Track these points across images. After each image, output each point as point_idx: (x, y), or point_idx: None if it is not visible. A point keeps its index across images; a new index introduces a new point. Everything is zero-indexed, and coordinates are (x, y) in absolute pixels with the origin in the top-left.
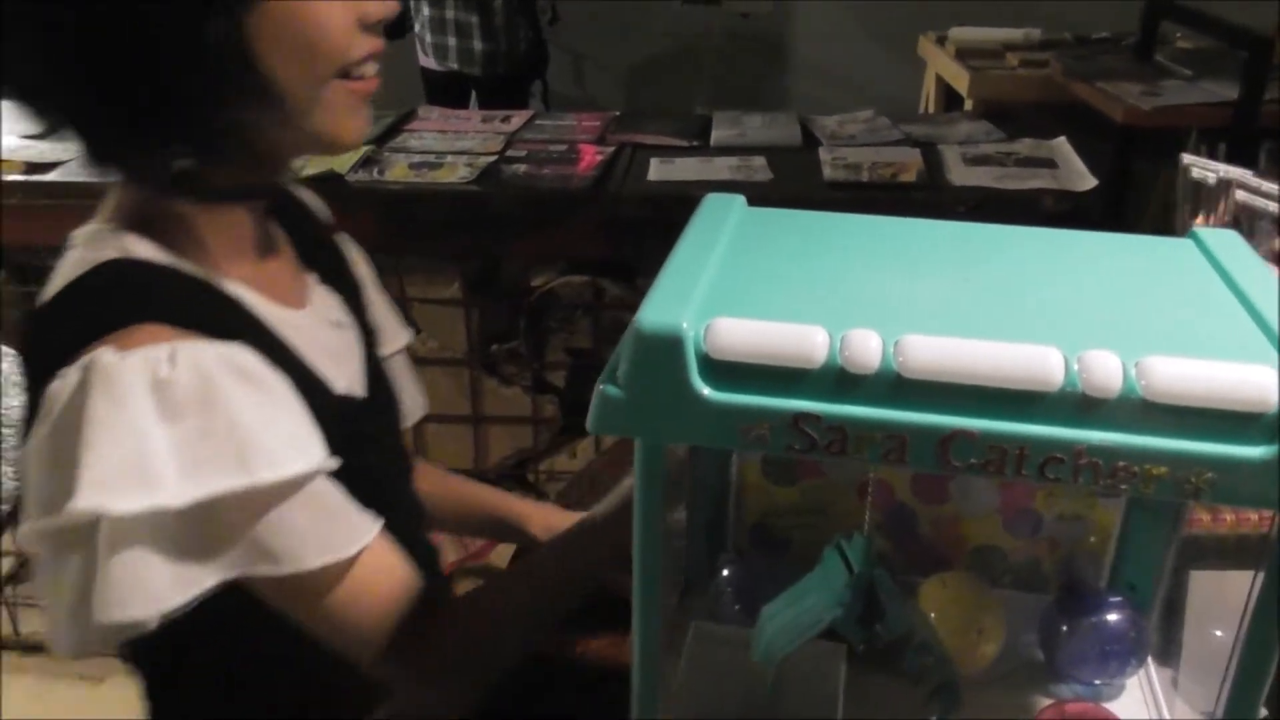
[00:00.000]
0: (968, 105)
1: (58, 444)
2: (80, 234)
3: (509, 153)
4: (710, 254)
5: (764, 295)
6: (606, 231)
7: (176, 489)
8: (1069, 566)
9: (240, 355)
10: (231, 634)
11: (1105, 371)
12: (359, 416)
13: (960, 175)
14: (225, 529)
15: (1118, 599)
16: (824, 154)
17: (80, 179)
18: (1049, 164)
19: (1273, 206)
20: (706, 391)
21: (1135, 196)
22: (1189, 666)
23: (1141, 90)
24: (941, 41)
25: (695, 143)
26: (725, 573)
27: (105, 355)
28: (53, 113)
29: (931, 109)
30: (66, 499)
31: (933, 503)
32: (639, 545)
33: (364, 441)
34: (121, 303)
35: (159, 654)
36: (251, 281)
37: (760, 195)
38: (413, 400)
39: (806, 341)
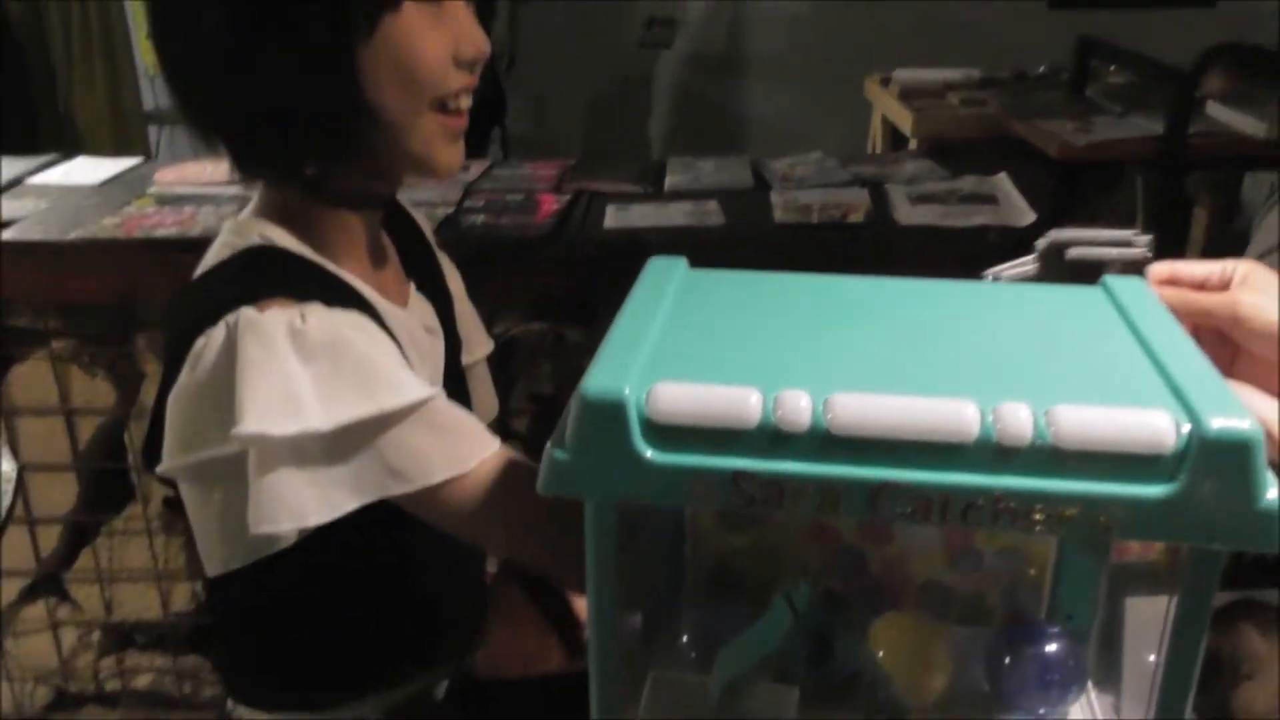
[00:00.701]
0: (913, 144)
1: (208, 389)
2: (229, 224)
3: (467, 203)
4: (652, 318)
5: (703, 358)
6: (566, 278)
7: (320, 417)
8: (1011, 599)
9: (358, 318)
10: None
11: (1017, 421)
12: None
13: (906, 214)
14: (360, 453)
15: (1056, 629)
16: (775, 196)
17: (35, 237)
18: (991, 200)
19: (1113, 253)
20: (650, 454)
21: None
22: (1129, 691)
23: (1075, 126)
24: (886, 83)
25: (650, 188)
26: (684, 619)
27: (248, 312)
28: (210, 131)
29: (878, 149)
30: (223, 431)
31: (879, 543)
32: (594, 601)
33: None
34: (258, 279)
35: (249, 595)
36: (364, 277)
37: (714, 238)
38: (488, 404)
39: (742, 403)
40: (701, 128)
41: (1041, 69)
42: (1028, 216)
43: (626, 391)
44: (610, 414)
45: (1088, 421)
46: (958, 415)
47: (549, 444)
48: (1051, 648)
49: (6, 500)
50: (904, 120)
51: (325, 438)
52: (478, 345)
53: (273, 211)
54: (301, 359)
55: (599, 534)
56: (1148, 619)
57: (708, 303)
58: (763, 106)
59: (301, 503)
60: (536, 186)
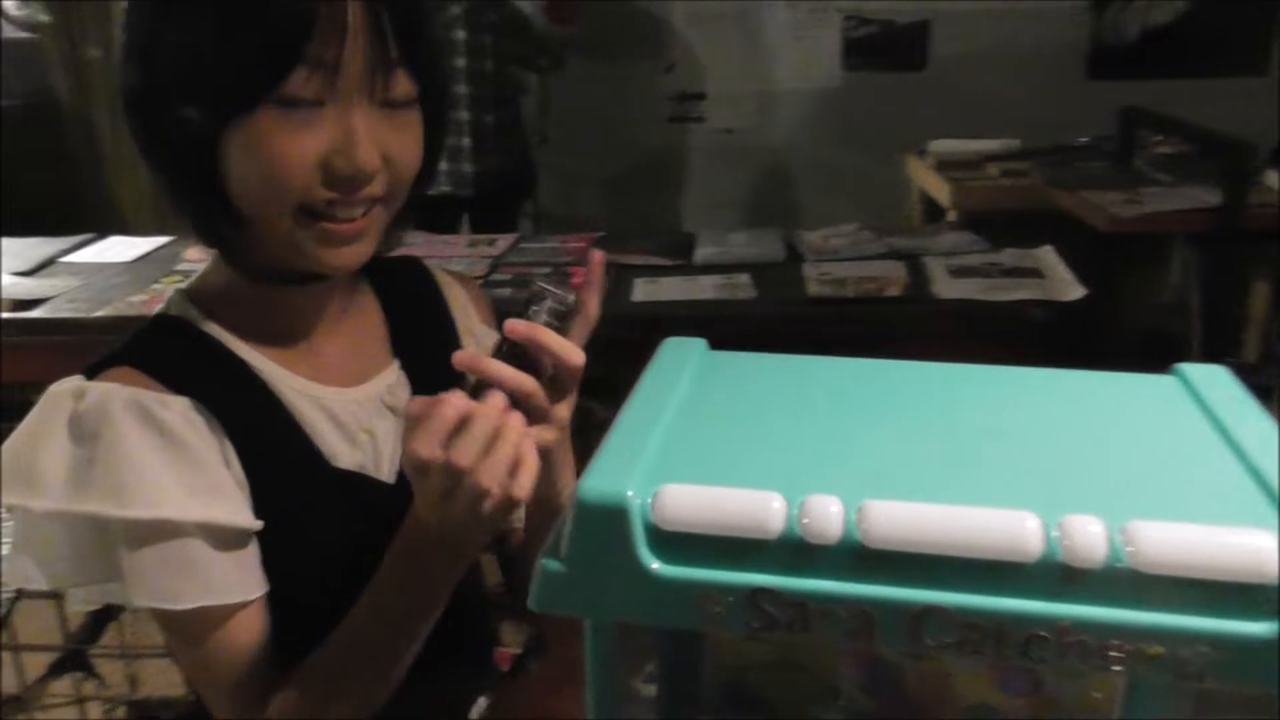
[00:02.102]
0: (951, 216)
1: None
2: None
3: (495, 277)
4: (664, 408)
5: (717, 455)
6: (593, 353)
7: (50, 498)
8: None
9: (168, 409)
10: None
11: (1087, 539)
12: (374, 497)
13: (946, 288)
14: (90, 542)
15: None
16: (808, 269)
17: (67, 315)
18: (1035, 274)
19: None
20: (656, 566)
21: (1123, 303)
22: None
23: (1124, 198)
24: (922, 154)
25: (680, 261)
26: None
27: (63, 383)
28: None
29: (915, 221)
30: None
31: (919, 658)
32: None
33: (374, 520)
34: (125, 347)
35: None
36: (283, 352)
37: (745, 312)
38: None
39: (761, 510)
40: (733, 200)
41: (1082, 140)
42: (1075, 290)
43: (629, 494)
44: (611, 519)
45: (1173, 541)
46: (1016, 529)
47: (540, 554)
48: None
49: None
50: (941, 191)
51: (51, 517)
52: None
53: (199, 285)
54: (72, 437)
55: (599, 657)
56: None
57: (726, 390)
58: (794, 179)
59: (22, 568)
60: (563, 260)
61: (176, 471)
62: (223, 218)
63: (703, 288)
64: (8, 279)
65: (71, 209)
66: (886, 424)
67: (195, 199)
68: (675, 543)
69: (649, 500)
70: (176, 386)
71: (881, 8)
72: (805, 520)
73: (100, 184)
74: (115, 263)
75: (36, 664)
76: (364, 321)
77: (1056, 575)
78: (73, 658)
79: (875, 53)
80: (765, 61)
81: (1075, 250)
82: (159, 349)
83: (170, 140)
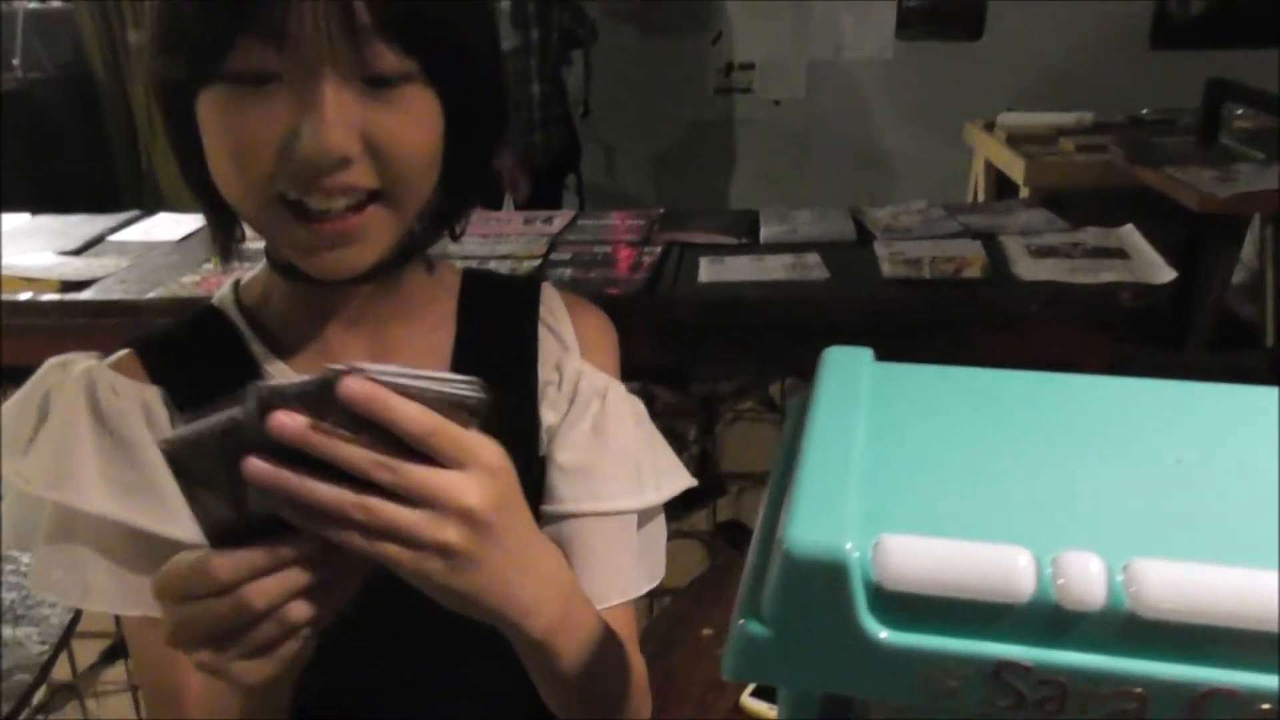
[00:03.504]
0: (1024, 193)
1: None
2: None
3: (553, 256)
4: (853, 438)
5: (935, 496)
6: (658, 336)
7: (14, 464)
8: None
9: (119, 396)
10: None
11: None
12: None
13: (1028, 269)
14: (34, 514)
15: None
16: (880, 249)
17: (115, 297)
18: (1120, 254)
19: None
20: (884, 635)
21: (1200, 285)
22: None
23: (1214, 176)
24: (989, 128)
25: (744, 240)
26: None
27: (59, 357)
28: None
29: (980, 197)
30: None
31: None
32: None
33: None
34: (150, 332)
35: None
36: (300, 356)
37: (819, 295)
38: (614, 572)
39: (1007, 568)
40: (782, 174)
41: (1145, 111)
42: (1165, 273)
43: (848, 548)
44: (827, 578)
45: None
46: None
47: (736, 614)
48: None
49: None
50: (1014, 167)
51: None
52: (609, 494)
53: (252, 277)
54: (38, 410)
55: None
56: None
57: (916, 413)
58: (846, 151)
59: (8, 533)
60: (623, 239)
61: (105, 463)
62: (211, 204)
63: (771, 269)
64: (55, 258)
65: (108, 183)
66: (1106, 455)
67: (187, 181)
68: (899, 604)
69: (869, 554)
70: (161, 378)
71: None
72: (1061, 581)
73: (136, 157)
74: (163, 241)
75: (88, 651)
76: (419, 337)
77: None
78: (125, 645)
79: (930, 21)
80: (816, 31)
81: (1155, 229)
82: (169, 338)
83: (162, 117)
